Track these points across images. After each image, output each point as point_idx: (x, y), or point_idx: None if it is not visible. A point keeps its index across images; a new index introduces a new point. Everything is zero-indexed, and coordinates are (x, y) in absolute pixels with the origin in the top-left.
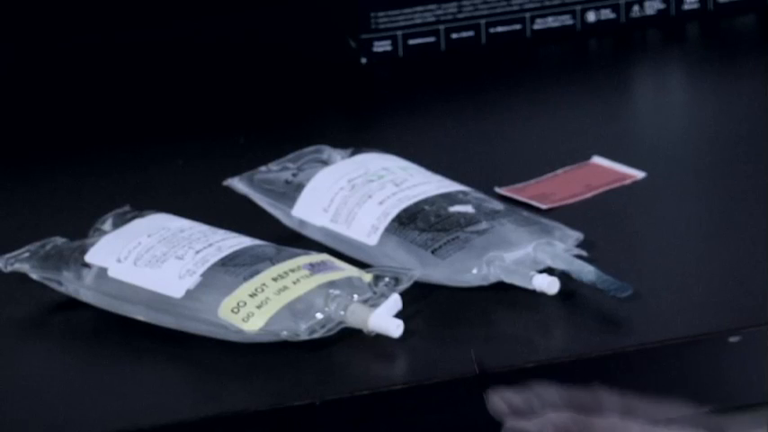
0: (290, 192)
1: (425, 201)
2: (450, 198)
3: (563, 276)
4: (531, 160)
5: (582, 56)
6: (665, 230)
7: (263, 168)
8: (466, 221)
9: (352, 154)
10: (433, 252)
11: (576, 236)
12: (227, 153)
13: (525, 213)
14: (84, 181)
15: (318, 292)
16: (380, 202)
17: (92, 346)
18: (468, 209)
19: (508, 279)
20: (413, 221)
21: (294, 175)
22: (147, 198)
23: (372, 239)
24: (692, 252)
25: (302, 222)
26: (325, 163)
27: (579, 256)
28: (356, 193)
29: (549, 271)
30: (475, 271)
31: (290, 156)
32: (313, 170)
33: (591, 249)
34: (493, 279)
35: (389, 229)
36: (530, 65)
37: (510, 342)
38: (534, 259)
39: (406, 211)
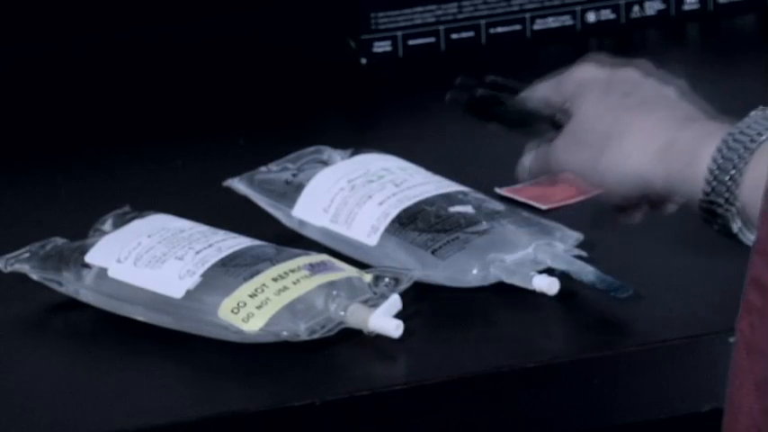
0: (290, 192)
1: (425, 201)
2: (450, 198)
3: (563, 277)
4: None
5: (582, 56)
6: (665, 230)
7: (263, 169)
8: (466, 222)
9: (353, 154)
10: (433, 252)
11: (576, 236)
12: (227, 154)
13: (525, 214)
14: (85, 181)
15: (318, 293)
16: (380, 203)
17: (92, 347)
18: (469, 209)
19: (508, 279)
20: (413, 222)
21: (294, 175)
22: (147, 198)
23: (372, 240)
24: (691, 252)
25: (302, 222)
26: (325, 163)
27: (579, 257)
28: (356, 194)
29: (549, 271)
30: (475, 271)
31: (291, 156)
32: (313, 170)
33: (591, 250)
34: (493, 279)
35: (389, 230)
36: (530, 65)
37: (510, 342)
38: (534, 260)
39: (405, 211)
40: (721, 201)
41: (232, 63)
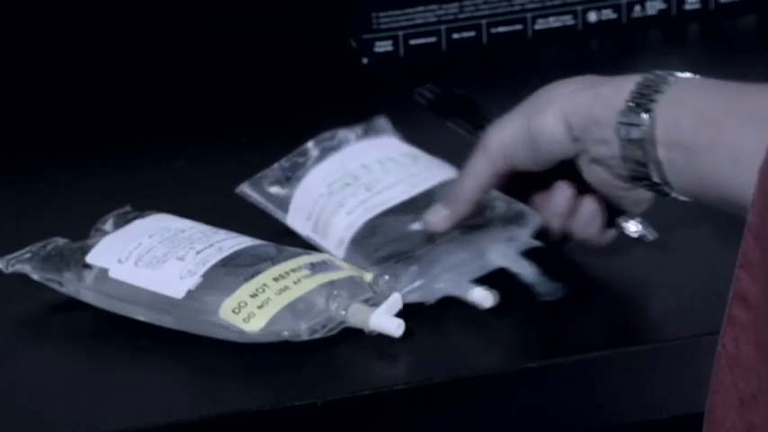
0: (286, 198)
1: (391, 209)
2: (414, 206)
3: (561, 280)
4: None
5: (583, 56)
6: (665, 230)
7: (275, 166)
8: (420, 242)
9: (365, 131)
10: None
11: (538, 220)
12: (228, 153)
13: (514, 204)
14: (85, 181)
15: (319, 292)
16: (349, 212)
17: (92, 347)
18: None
19: (452, 292)
20: (372, 236)
21: (287, 178)
22: (147, 198)
23: (340, 252)
24: (691, 252)
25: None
26: (335, 149)
27: (533, 249)
28: (332, 201)
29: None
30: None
31: (300, 149)
32: (304, 171)
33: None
34: (440, 295)
35: (354, 242)
36: (531, 65)
37: (510, 342)
38: (486, 261)
39: (367, 223)
40: (638, 122)
41: (233, 62)
